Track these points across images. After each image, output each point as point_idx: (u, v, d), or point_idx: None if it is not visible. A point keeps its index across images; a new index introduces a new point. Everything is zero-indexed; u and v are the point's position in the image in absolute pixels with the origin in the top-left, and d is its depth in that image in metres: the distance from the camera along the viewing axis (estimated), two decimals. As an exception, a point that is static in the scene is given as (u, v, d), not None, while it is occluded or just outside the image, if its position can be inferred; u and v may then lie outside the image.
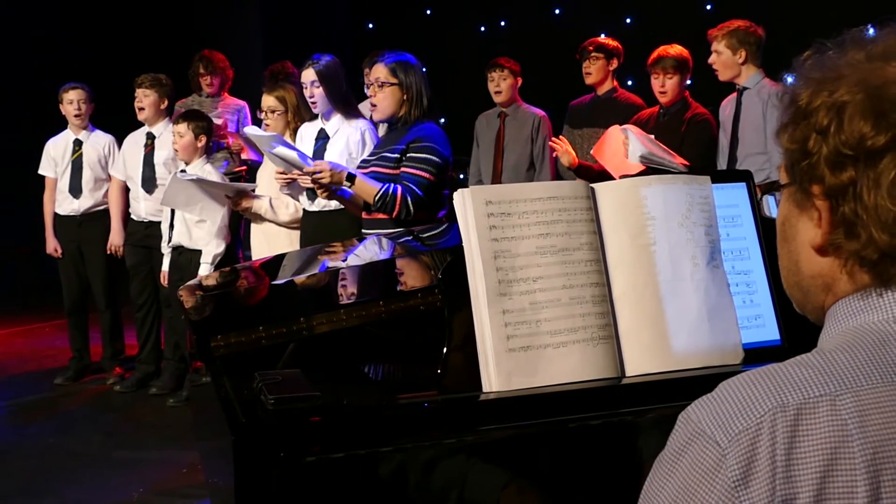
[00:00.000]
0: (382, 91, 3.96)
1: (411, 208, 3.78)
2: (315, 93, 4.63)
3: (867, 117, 0.96)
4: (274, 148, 4.16)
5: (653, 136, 4.88)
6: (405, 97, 3.95)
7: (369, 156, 4.13)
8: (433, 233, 3.57)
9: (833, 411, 0.92)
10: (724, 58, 4.82)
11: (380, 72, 3.99)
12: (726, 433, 0.94)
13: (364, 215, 4.01)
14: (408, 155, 3.85)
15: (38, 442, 5.14)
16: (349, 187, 3.91)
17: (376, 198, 3.79)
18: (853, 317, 1.02)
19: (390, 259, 3.11)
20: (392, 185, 3.80)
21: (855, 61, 0.99)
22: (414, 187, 3.79)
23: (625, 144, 4.73)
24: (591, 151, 5.14)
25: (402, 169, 3.84)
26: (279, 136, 4.33)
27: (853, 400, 0.93)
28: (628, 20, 8.13)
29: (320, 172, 3.88)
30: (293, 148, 4.25)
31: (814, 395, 0.93)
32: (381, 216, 3.87)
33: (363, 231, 4.00)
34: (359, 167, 4.06)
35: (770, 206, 1.19)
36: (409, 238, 3.50)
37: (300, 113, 4.95)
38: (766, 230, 1.93)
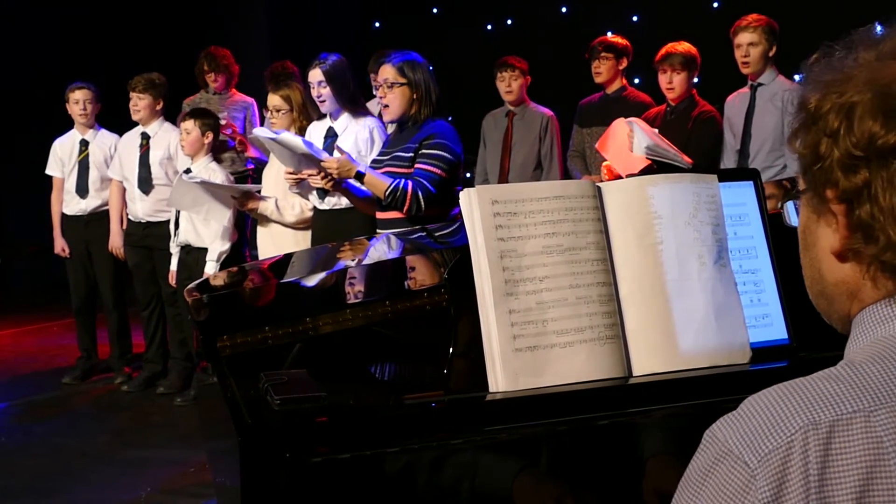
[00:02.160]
0: (392, 91, 3.98)
1: (422, 203, 3.81)
2: (323, 92, 4.65)
3: (877, 116, 0.93)
4: (279, 134, 4.21)
5: (657, 131, 4.87)
6: (415, 96, 3.98)
7: (381, 155, 4.15)
8: (446, 231, 3.58)
9: (868, 428, 0.88)
10: (760, 50, 4.72)
11: (388, 72, 4.01)
12: (755, 453, 0.90)
13: (378, 214, 4.04)
14: (420, 152, 3.88)
15: (46, 441, 5.15)
16: (359, 184, 3.93)
17: (387, 193, 3.84)
18: (881, 325, 0.98)
19: (398, 258, 3.11)
20: (403, 180, 3.84)
21: (864, 61, 0.97)
22: (426, 183, 3.82)
23: (629, 137, 4.73)
24: (596, 145, 5.14)
25: (416, 165, 3.88)
26: (280, 130, 4.38)
27: (888, 416, 0.89)
28: (635, 18, 8.11)
29: (328, 164, 3.94)
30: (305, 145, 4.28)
31: (847, 412, 0.89)
32: (394, 215, 3.90)
33: (378, 231, 4.02)
34: (371, 166, 4.09)
35: (790, 213, 1.15)
36: (422, 235, 3.51)
37: (306, 111, 4.96)
38: (774, 229, 1.92)
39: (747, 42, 4.75)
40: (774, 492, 0.88)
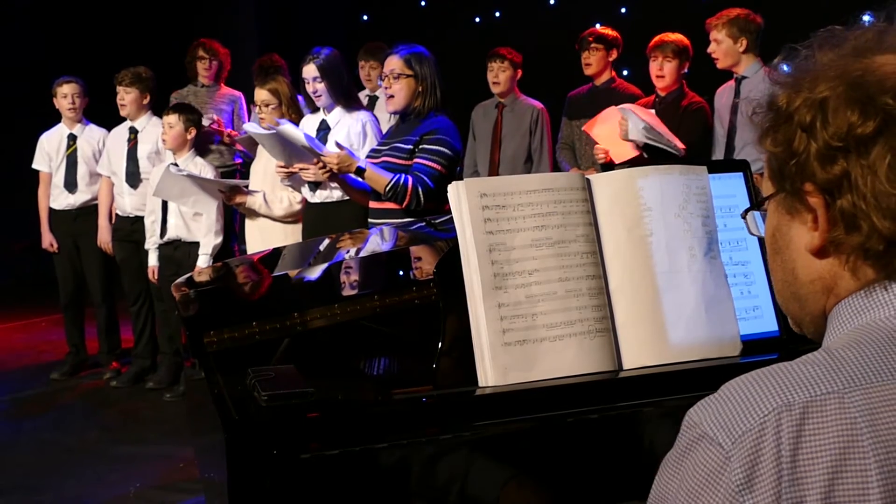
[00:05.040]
0: (398, 82, 3.99)
1: (422, 199, 3.85)
2: (318, 87, 4.66)
3: (852, 106, 0.95)
4: (282, 125, 4.21)
5: (653, 112, 4.90)
6: (419, 89, 4.00)
7: (380, 145, 4.17)
8: (445, 218, 3.59)
9: (841, 409, 0.89)
10: (724, 46, 4.81)
11: (394, 63, 4.01)
12: (729, 435, 0.91)
13: (372, 204, 4.05)
14: (421, 146, 3.90)
15: (35, 437, 5.13)
16: (360, 178, 3.95)
17: (387, 187, 3.85)
18: (858, 315, 0.99)
19: (396, 250, 3.10)
20: (404, 175, 3.86)
21: (828, 60, 0.99)
22: (426, 178, 3.84)
23: (621, 124, 4.75)
24: (584, 127, 5.16)
25: (416, 160, 3.90)
26: (282, 121, 4.39)
27: (862, 397, 0.89)
28: (623, 10, 8.10)
29: (328, 158, 3.97)
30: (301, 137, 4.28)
31: (821, 393, 0.90)
32: (389, 205, 3.92)
33: (370, 220, 4.03)
34: (369, 156, 4.10)
35: (757, 222, 1.14)
36: (422, 225, 3.53)
37: (295, 105, 4.95)
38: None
39: (713, 40, 4.86)
40: (748, 473, 0.89)
